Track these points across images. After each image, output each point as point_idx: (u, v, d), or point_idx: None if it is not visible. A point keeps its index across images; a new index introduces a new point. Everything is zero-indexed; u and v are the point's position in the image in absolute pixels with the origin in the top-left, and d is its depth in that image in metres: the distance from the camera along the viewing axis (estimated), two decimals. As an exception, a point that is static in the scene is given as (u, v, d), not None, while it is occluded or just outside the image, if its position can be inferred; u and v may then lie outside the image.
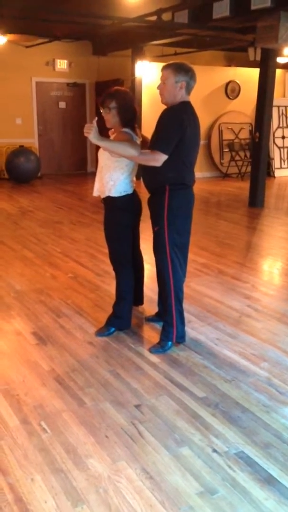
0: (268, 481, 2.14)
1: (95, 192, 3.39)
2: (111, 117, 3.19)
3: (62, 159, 11.49)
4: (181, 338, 3.34)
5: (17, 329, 3.55)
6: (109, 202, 3.30)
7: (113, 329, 3.46)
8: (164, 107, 3.12)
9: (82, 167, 11.69)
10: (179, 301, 3.30)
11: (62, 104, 11.22)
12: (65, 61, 10.83)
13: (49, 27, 8.91)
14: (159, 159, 2.99)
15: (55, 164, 11.37)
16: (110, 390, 2.80)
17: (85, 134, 2.86)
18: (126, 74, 10.34)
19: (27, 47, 10.08)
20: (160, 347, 3.26)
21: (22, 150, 9.98)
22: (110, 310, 3.78)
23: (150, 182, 3.21)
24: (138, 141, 3.23)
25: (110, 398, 2.72)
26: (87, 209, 7.72)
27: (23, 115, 10.73)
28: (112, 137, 3.24)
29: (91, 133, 2.82)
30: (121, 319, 3.48)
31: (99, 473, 2.17)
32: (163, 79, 3.07)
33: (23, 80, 10.54)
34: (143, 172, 3.19)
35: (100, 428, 2.47)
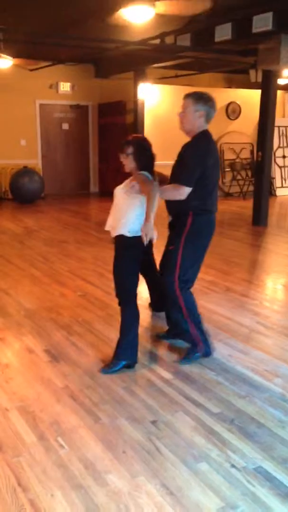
0: (289, 495, 2.14)
1: (107, 227, 3.38)
2: (129, 162, 3.25)
3: (65, 179, 11.60)
4: (208, 351, 3.38)
5: (29, 346, 3.56)
6: (120, 240, 3.27)
7: (122, 363, 3.22)
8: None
9: (85, 187, 11.79)
10: (194, 316, 3.32)
11: (65, 126, 11.38)
12: (68, 84, 11.03)
13: (53, 51, 9.11)
14: (183, 193, 3.10)
15: (59, 184, 11.47)
16: (125, 406, 2.80)
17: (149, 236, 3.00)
18: (129, 96, 10.51)
19: (31, 70, 10.27)
20: (187, 358, 3.33)
21: (26, 171, 10.10)
22: (121, 327, 3.81)
23: (174, 208, 3.28)
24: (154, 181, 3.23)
25: (125, 414, 2.72)
26: (92, 229, 7.78)
27: (27, 137, 10.88)
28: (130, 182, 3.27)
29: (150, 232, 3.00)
30: (126, 351, 3.26)
31: (119, 488, 2.17)
32: (184, 107, 3.18)
33: (27, 103, 10.71)
34: (167, 199, 3.26)
35: (117, 444, 2.47)
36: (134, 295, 3.35)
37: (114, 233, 3.30)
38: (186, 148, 3.16)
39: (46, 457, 2.36)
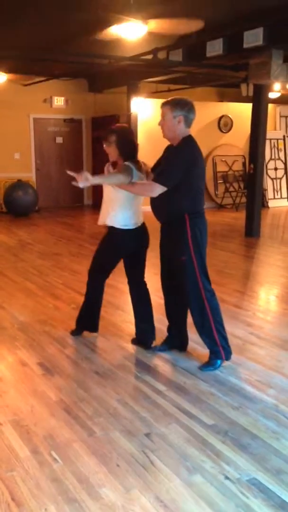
0: (282, 506, 2.14)
1: (100, 221, 3.58)
2: (112, 151, 3.44)
3: (59, 192, 11.63)
4: (229, 354, 3.44)
5: (22, 359, 3.55)
6: (110, 230, 3.54)
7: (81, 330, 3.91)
8: (165, 141, 3.30)
9: (79, 200, 11.83)
10: (218, 323, 3.40)
11: (59, 139, 11.45)
12: (62, 98, 11.12)
13: (47, 67, 9.20)
14: (155, 190, 3.15)
15: (53, 197, 11.51)
16: (119, 419, 2.80)
17: (80, 184, 3.03)
18: (122, 110, 10.60)
19: (25, 85, 10.36)
20: (210, 365, 3.39)
21: (20, 184, 10.13)
22: (114, 340, 3.84)
23: (166, 213, 3.30)
24: (139, 174, 3.34)
25: (119, 427, 2.72)
26: (86, 241, 7.80)
27: (21, 150, 10.93)
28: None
29: (83, 181, 3.03)
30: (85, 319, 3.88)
31: (112, 502, 2.16)
32: (162, 115, 3.25)
33: (21, 117, 10.78)
34: (155, 203, 3.29)
35: (111, 457, 2.47)
36: (104, 273, 3.69)
37: (107, 224, 3.52)
38: (171, 152, 3.24)
39: (39, 471, 2.36)
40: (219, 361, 3.40)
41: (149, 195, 3.23)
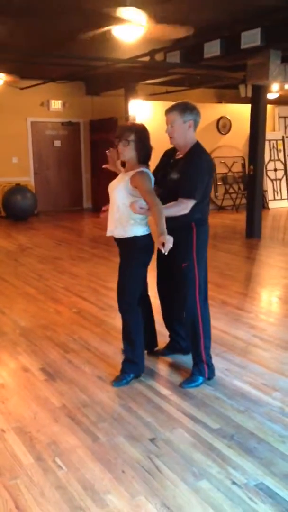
0: (291, 512, 2.11)
1: (109, 232, 3.20)
2: (128, 150, 3.04)
3: (58, 196, 11.61)
4: (212, 373, 3.28)
5: (24, 365, 3.52)
6: (130, 242, 3.12)
7: (131, 375, 3.25)
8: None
9: (78, 203, 11.81)
10: (208, 338, 3.26)
11: (57, 143, 11.43)
12: (60, 101, 11.10)
13: (44, 70, 9.18)
14: (189, 207, 3.02)
15: (51, 201, 11.48)
16: (123, 424, 2.77)
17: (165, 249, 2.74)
18: (120, 112, 10.58)
19: (22, 88, 10.34)
20: (192, 382, 3.20)
21: (18, 188, 10.11)
22: (116, 344, 3.77)
23: (174, 220, 3.05)
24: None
25: (124, 432, 2.69)
26: (86, 244, 7.77)
27: (19, 154, 10.91)
28: (124, 175, 3.11)
29: (168, 244, 2.73)
30: (135, 364, 3.26)
31: (118, 509, 2.13)
32: (170, 121, 3.09)
33: (18, 121, 10.76)
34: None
35: (116, 463, 2.43)
36: (136, 301, 3.25)
37: (121, 236, 3.12)
38: (195, 163, 3.07)
39: (44, 479, 2.32)
40: (201, 378, 3.21)
41: (184, 213, 3.03)
